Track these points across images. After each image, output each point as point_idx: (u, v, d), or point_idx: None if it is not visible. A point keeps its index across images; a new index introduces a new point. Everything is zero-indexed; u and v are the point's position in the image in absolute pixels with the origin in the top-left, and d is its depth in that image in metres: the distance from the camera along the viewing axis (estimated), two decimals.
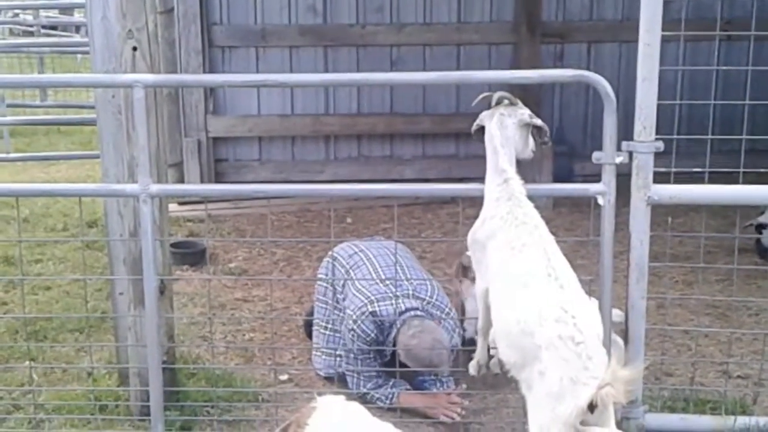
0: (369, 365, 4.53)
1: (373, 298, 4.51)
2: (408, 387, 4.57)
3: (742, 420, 3.90)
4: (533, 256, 3.25)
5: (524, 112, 3.65)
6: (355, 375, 4.55)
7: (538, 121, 3.65)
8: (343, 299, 4.71)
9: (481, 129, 3.66)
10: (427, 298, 4.55)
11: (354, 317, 4.48)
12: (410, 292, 4.54)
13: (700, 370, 4.73)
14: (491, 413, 4.44)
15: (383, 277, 4.61)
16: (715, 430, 3.87)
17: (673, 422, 3.95)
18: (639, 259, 3.72)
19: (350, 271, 4.76)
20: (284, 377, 4.89)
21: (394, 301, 4.45)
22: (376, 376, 4.53)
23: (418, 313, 4.46)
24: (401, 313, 4.44)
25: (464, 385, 4.52)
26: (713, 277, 6.24)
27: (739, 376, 4.79)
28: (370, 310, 4.47)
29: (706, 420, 3.95)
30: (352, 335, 4.49)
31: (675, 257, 6.05)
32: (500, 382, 4.51)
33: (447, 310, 4.57)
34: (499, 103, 3.66)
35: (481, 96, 3.77)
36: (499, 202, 3.45)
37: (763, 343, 4.61)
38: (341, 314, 4.71)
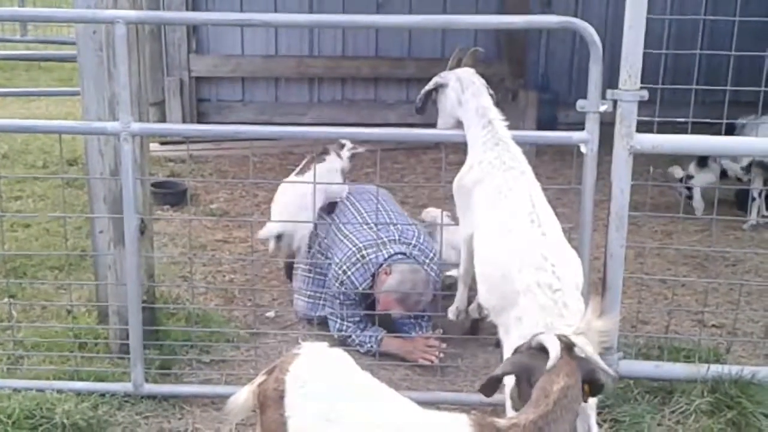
0: (353, 310, 4.55)
1: (360, 245, 4.50)
2: (386, 332, 4.59)
3: (715, 368, 3.95)
4: (518, 202, 3.25)
5: None
6: (338, 319, 4.57)
7: None
8: (326, 240, 4.71)
9: (434, 91, 3.69)
10: (413, 242, 4.55)
11: (343, 266, 4.48)
12: (396, 237, 4.54)
13: (676, 318, 4.79)
14: (468, 357, 4.49)
15: (369, 221, 4.61)
16: (688, 377, 3.92)
17: (647, 369, 4.00)
18: (619, 208, 3.72)
19: (335, 216, 4.76)
20: (265, 317, 4.91)
21: (381, 247, 4.45)
22: (358, 320, 4.56)
23: (405, 258, 4.47)
24: (388, 257, 4.45)
25: (440, 330, 4.55)
26: (692, 228, 6.30)
27: (713, 325, 4.86)
28: (359, 257, 4.47)
29: (680, 367, 3.99)
30: (340, 283, 4.50)
31: (655, 207, 6.10)
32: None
33: (431, 255, 4.57)
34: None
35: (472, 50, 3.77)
36: (486, 147, 3.44)
37: (738, 293, 4.67)
38: (325, 258, 4.71)
